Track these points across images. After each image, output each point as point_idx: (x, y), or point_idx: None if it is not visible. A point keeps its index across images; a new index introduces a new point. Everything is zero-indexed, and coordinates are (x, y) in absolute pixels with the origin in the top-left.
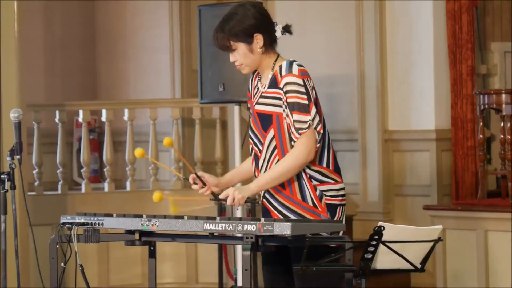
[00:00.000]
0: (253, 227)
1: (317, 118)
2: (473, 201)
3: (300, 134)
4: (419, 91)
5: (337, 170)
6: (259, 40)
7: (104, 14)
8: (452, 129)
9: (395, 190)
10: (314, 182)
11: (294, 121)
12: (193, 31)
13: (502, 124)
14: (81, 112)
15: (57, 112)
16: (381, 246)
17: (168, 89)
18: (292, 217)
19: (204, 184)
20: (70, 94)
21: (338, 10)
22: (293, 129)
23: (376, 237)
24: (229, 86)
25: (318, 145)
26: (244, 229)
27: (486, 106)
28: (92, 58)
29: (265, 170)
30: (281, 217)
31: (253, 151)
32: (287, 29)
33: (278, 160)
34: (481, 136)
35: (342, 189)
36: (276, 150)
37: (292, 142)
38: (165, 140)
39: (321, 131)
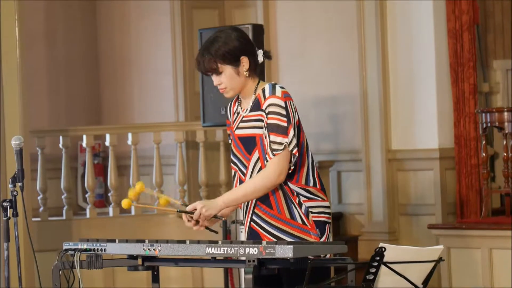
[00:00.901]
0: (255, 250)
1: (294, 141)
2: (477, 219)
3: (274, 155)
4: (422, 110)
5: (323, 188)
6: (245, 63)
7: (107, 38)
8: (455, 147)
9: (400, 210)
10: (302, 198)
11: (271, 142)
12: (195, 54)
13: (505, 142)
14: (84, 137)
15: (60, 137)
16: (383, 267)
17: (172, 112)
18: (283, 236)
19: (197, 222)
20: (74, 118)
21: (340, 30)
22: (268, 150)
23: (378, 258)
24: None
25: (292, 167)
26: (246, 252)
27: (489, 124)
28: (96, 82)
29: None
30: (272, 238)
31: (237, 176)
32: (267, 55)
33: None
34: (484, 154)
35: (329, 207)
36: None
37: (265, 162)
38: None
39: (297, 154)
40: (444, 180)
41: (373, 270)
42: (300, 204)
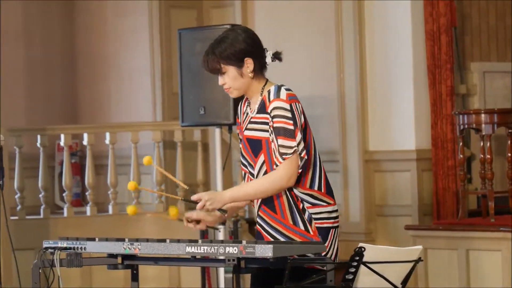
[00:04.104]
0: (235, 250)
1: (302, 144)
2: (454, 221)
3: (284, 159)
4: (399, 111)
5: (329, 192)
6: (249, 64)
7: (85, 37)
8: (432, 149)
9: (377, 211)
10: (306, 205)
11: (279, 145)
12: (173, 53)
13: (481, 144)
14: (62, 136)
15: (38, 136)
16: (362, 267)
17: (150, 112)
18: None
19: (197, 222)
20: (51, 118)
21: (318, 31)
22: (276, 154)
23: (357, 258)
24: (210, 109)
25: (300, 170)
26: (226, 252)
27: (466, 126)
28: (73, 82)
29: None
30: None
31: (246, 176)
32: (277, 56)
33: None
34: (461, 155)
35: (335, 211)
36: None
37: (274, 166)
38: (144, 159)
39: (305, 157)
40: (421, 181)
41: (353, 270)
42: (303, 211)
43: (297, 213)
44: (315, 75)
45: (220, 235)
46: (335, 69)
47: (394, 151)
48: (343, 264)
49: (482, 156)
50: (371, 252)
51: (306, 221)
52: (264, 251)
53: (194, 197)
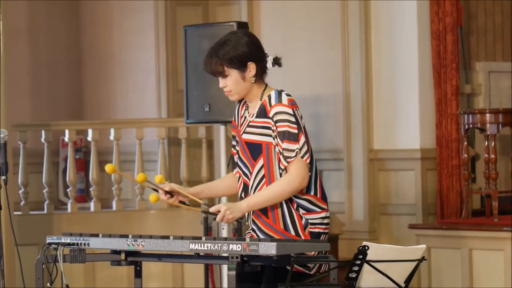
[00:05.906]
0: (239, 247)
1: (305, 148)
2: (457, 220)
3: (288, 162)
4: (404, 110)
5: (324, 197)
6: (252, 68)
7: (90, 34)
8: (437, 148)
9: (381, 209)
10: (301, 211)
11: (284, 149)
12: (179, 51)
13: (486, 143)
14: (67, 131)
15: (43, 132)
16: (366, 265)
17: (154, 109)
18: None
19: (172, 195)
20: (56, 115)
21: (324, 30)
22: (281, 157)
23: (361, 256)
24: (214, 106)
25: (309, 173)
26: (230, 249)
27: (471, 126)
28: (79, 79)
29: None
30: None
31: (241, 179)
32: (277, 61)
33: None
34: (466, 155)
35: (327, 217)
36: (264, 179)
37: (280, 170)
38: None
39: (308, 161)
40: (425, 180)
41: (356, 268)
42: (300, 217)
43: (288, 219)
44: (321, 74)
45: (224, 233)
46: (341, 68)
47: (399, 150)
48: (346, 262)
49: (487, 155)
50: (375, 250)
51: (300, 226)
52: (268, 248)
53: (212, 209)
